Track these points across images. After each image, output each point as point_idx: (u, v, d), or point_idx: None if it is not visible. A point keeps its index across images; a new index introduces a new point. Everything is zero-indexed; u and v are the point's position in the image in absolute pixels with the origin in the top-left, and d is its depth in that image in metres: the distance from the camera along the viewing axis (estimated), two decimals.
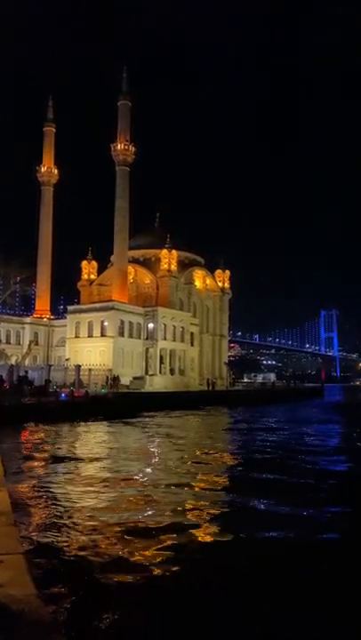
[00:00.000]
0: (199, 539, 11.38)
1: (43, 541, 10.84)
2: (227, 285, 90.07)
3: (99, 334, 65.91)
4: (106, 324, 65.69)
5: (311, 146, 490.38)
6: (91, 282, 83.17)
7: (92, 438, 30.06)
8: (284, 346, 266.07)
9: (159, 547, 10.60)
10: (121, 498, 15.01)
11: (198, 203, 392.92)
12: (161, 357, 69.48)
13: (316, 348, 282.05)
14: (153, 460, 22.72)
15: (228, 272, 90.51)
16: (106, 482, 17.10)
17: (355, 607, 8.40)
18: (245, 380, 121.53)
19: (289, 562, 10.22)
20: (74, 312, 71.20)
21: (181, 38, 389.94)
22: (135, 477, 18.20)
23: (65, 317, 74.83)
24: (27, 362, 61.85)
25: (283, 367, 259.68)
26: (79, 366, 53.82)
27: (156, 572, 9.34)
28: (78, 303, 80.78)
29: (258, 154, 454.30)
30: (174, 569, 9.50)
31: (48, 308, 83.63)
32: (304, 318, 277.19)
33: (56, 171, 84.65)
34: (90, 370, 53.80)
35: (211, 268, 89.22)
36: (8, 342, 73.31)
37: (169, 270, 76.02)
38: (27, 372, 49.43)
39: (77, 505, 14.02)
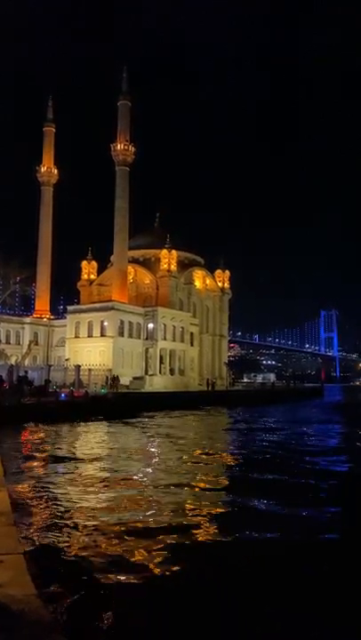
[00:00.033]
0: (199, 539, 11.37)
1: (43, 541, 10.84)
2: (227, 285, 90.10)
3: (98, 334, 65.91)
4: (106, 324, 65.69)
5: (311, 146, 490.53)
6: (90, 282, 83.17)
7: (92, 438, 30.05)
8: (283, 346, 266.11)
9: (159, 547, 10.60)
10: (121, 498, 15.01)
11: (198, 203, 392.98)
12: (161, 357, 69.49)
13: (316, 348, 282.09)
14: (153, 460, 22.71)
15: (227, 272, 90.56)
16: (106, 482, 17.10)
17: (355, 607, 8.40)
18: (245, 380, 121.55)
19: (289, 562, 10.22)
20: (74, 312, 71.21)
21: (181, 38, 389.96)
22: (135, 477, 18.20)
23: (65, 317, 74.83)
24: (26, 362, 61.86)
25: (282, 367, 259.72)
26: (79, 366, 53.82)
27: (156, 572, 9.34)
28: (78, 303, 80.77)
29: (258, 154, 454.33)
30: (174, 569, 9.50)
31: (48, 308, 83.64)
32: (304, 318, 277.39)
33: (56, 171, 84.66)
34: (90, 370, 53.80)
35: (211, 269, 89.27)
36: (8, 342, 73.33)
37: (169, 270, 76.04)
38: (26, 372, 49.42)
39: (77, 505, 14.01)
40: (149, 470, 20.01)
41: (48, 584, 8.33)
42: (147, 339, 69.08)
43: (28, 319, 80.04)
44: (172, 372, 71.13)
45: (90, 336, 66.65)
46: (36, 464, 20.79)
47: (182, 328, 73.96)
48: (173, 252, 76.88)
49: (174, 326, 72.30)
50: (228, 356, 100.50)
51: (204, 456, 23.48)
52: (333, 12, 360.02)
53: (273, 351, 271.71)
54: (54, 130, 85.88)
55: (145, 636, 7.53)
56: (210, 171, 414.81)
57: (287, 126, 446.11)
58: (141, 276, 79.22)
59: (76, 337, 68.38)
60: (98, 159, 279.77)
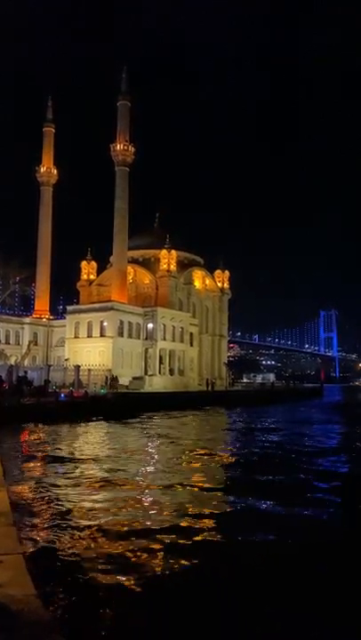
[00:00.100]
0: (199, 539, 11.37)
1: (43, 542, 10.84)
2: (226, 285, 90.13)
3: (98, 334, 65.90)
4: (105, 324, 65.68)
5: (311, 146, 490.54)
6: (90, 282, 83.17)
7: (92, 438, 30.05)
8: (283, 346, 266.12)
9: (159, 547, 10.60)
10: (121, 498, 15.01)
11: (198, 203, 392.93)
12: (160, 358, 69.48)
13: (316, 348, 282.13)
14: (152, 461, 22.72)
15: (227, 272, 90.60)
16: (105, 482, 17.09)
17: (355, 607, 8.40)
18: (245, 380, 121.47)
19: (289, 562, 10.22)
20: (73, 312, 71.19)
21: (181, 38, 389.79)
22: (135, 478, 18.19)
23: (64, 318, 74.81)
24: (26, 362, 61.83)
25: (282, 367, 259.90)
26: (78, 366, 53.82)
27: (156, 572, 9.34)
28: (78, 303, 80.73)
29: (258, 154, 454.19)
30: (174, 569, 9.50)
31: (47, 309, 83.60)
32: (304, 318, 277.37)
33: (55, 171, 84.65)
34: (89, 370, 53.79)
35: (210, 269, 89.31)
36: (7, 342, 73.31)
37: (168, 270, 76.04)
38: (26, 372, 49.41)
39: (77, 505, 14.01)
40: (149, 470, 20.01)
41: (48, 584, 8.33)
42: (146, 339, 69.09)
43: (27, 319, 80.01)
44: (171, 372, 71.13)
45: (89, 336, 66.64)
46: (35, 464, 20.78)
47: (182, 328, 73.97)
48: (173, 252, 76.89)
49: (174, 326, 72.31)
50: (228, 357, 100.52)
51: (203, 456, 23.48)
52: (333, 11, 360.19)
53: (272, 351, 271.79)
54: (54, 130, 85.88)
55: (145, 636, 7.53)
56: (210, 171, 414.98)
57: (287, 126, 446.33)
58: (141, 276, 79.23)
59: (76, 337, 68.38)
60: (97, 159, 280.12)
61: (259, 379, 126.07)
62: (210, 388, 68.02)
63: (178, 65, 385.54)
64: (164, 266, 76.17)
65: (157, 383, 65.00)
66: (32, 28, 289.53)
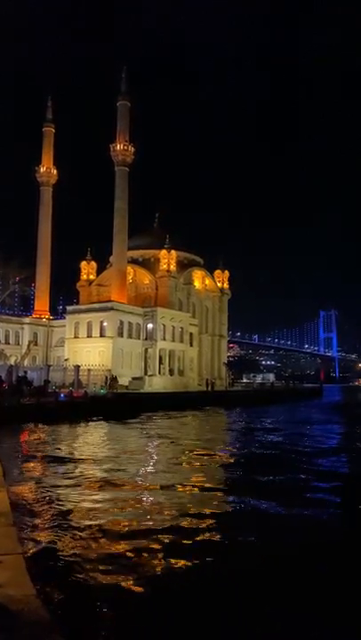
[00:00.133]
0: (199, 539, 11.36)
1: (42, 542, 10.83)
2: (226, 286, 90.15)
3: (98, 334, 65.89)
4: (105, 324, 65.68)
5: (311, 146, 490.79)
6: (90, 282, 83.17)
7: (92, 439, 30.04)
8: (283, 346, 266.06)
9: (159, 547, 10.59)
10: (120, 498, 15.00)
11: (198, 203, 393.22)
12: (160, 358, 69.47)
13: (316, 348, 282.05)
14: (152, 461, 22.71)
15: (227, 272, 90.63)
16: (105, 482, 17.08)
17: (355, 607, 8.39)
18: (244, 380, 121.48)
19: (289, 562, 10.21)
20: (73, 312, 71.18)
21: (181, 38, 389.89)
22: (134, 478, 18.18)
23: (64, 318, 74.79)
24: (26, 362, 61.81)
25: (282, 367, 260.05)
26: (78, 366, 53.80)
27: (156, 572, 9.34)
28: (77, 303, 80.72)
29: (258, 154, 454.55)
30: (174, 569, 9.49)
31: (47, 309, 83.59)
32: (303, 318, 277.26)
33: (55, 171, 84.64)
34: (89, 370, 53.78)
35: (210, 269, 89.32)
36: (7, 342, 73.30)
37: (168, 271, 76.04)
38: (26, 372, 49.38)
39: (77, 505, 14.00)
40: (149, 471, 20.01)
41: (48, 584, 8.32)
42: (146, 339, 69.08)
43: (27, 319, 79.97)
44: (171, 372, 71.12)
45: (89, 336, 66.63)
46: (35, 464, 20.77)
47: (182, 328, 73.96)
48: (173, 252, 76.90)
49: (174, 326, 72.30)
50: (228, 357, 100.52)
51: (203, 456, 23.47)
52: (333, 12, 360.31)
53: (272, 351, 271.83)
54: (54, 130, 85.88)
55: (145, 636, 7.52)
56: (210, 171, 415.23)
57: (287, 126, 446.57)
58: (141, 276, 79.23)
59: (76, 337, 68.36)
60: (97, 159, 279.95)
61: (258, 379, 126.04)
62: (210, 389, 68.02)
63: (178, 65, 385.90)
64: (164, 266, 76.18)
65: (157, 383, 64.99)
66: (32, 27, 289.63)
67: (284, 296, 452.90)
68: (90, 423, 36.96)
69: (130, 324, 67.56)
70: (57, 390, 45.08)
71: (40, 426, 33.29)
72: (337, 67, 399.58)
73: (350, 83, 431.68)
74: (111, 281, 74.40)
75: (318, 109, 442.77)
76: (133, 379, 61.04)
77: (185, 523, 12.44)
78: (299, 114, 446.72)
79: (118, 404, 43.83)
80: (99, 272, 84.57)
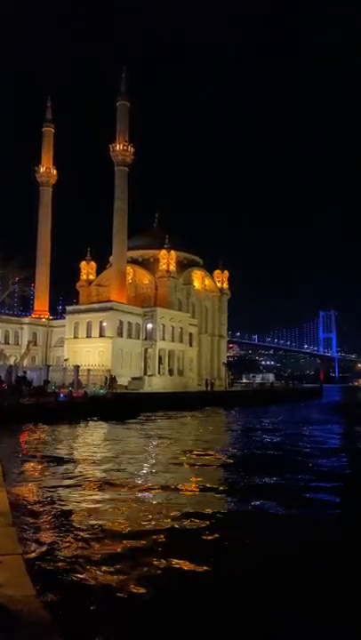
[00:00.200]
0: (199, 540, 11.35)
1: (42, 542, 10.82)
2: (225, 286, 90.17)
3: (97, 335, 65.86)
4: (104, 324, 65.65)
5: (311, 146, 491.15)
6: (89, 282, 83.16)
7: (91, 439, 30.01)
8: (282, 346, 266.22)
9: (159, 547, 10.58)
10: (120, 499, 14.99)
11: (198, 203, 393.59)
12: (160, 358, 69.46)
13: (315, 348, 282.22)
14: (152, 461, 22.69)
15: (226, 272, 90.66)
16: (105, 483, 17.07)
17: (355, 607, 8.38)
18: (244, 380, 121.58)
19: (289, 562, 10.21)
20: (72, 312, 71.16)
21: (181, 38, 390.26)
22: (134, 478, 18.17)
23: (64, 318, 74.78)
24: (25, 362, 61.80)
25: (281, 368, 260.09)
26: (78, 367, 53.77)
27: (156, 572, 9.32)
28: (77, 303, 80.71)
29: (258, 154, 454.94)
30: (174, 569, 9.48)
31: (47, 309, 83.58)
32: (303, 319, 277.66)
33: (55, 171, 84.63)
34: (88, 370, 53.77)
35: (210, 269, 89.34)
36: (7, 342, 73.28)
37: (168, 271, 76.05)
38: (25, 372, 49.38)
39: (77, 506, 13.99)
40: (148, 471, 19.99)
41: (47, 584, 8.31)
42: (146, 339, 69.07)
43: (26, 319, 79.97)
44: (170, 372, 71.11)
45: (89, 336, 66.61)
46: (35, 465, 20.75)
47: (181, 328, 73.95)
48: (172, 252, 76.91)
49: (173, 327, 72.29)
50: (227, 357, 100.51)
51: (203, 457, 23.46)
52: (333, 11, 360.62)
53: (272, 352, 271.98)
54: (53, 130, 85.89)
55: (145, 635, 7.51)
56: (210, 171, 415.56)
57: (287, 126, 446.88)
58: (140, 276, 79.23)
59: (75, 337, 68.34)
60: (97, 159, 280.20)
61: (258, 379, 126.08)
62: (209, 389, 68.02)
63: (178, 65, 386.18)
64: (164, 266, 76.19)
65: (157, 383, 64.97)
66: (32, 27, 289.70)
67: (283, 296, 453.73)
68: (89, 423, 36.95)
69: (129, 324, 67.55)
70: (56, 390, 45.04)
71: (40, 426, 33.27)
72: (337, 67, 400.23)
73: (350, 83, 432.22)
74: (111, 281, 74.38)
75: (318, 109, 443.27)
76: (133, 379, 61.03)
77: (185, 523, 12.43)
78: (299, 114, 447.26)
79: (118, 404, 43.81)
80: (98, 272, 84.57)
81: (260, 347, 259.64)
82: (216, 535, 11.66)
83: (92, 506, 14.03)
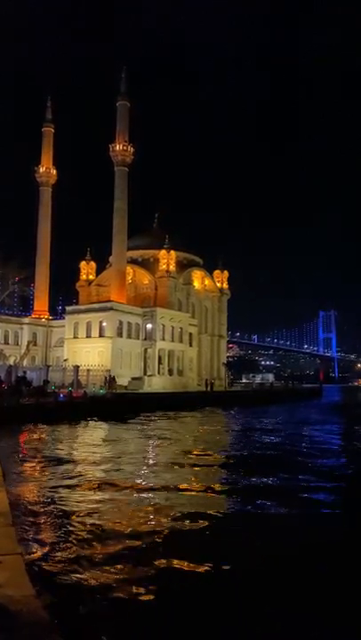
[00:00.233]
0: (199, 540, 11.34)
1: (41, 542, 10.81)
2: (225, 286, 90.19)
3: (97, 335, 65.85)
4: (104, 324, 65.64)
5: (311, 146, 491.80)
6: (89, 282, 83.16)
7: (91, 439, 30.00)
8: (282, 346, 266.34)
9: (158, 548, 10.57)
10: (119, 499, 14.98)
11: (198, 203, 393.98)
12: (159, 358, 69.45)
13: (315, 348, 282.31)
14: (151, 462, 22.68)
15: (226, 272, 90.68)
16: (104, 483, 17.05)
17: (355, 607, 8.37)
18: (244, 380, 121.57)
19: (289, 562, 10.20)
20: (72, 312, 71.15)
21: (181, 38, 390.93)
22: (133, 479, 18.15)
23: (63, 318, 74.78)
24: (25, 362, 61.77)
25: (281, 368, 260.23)
26: (77, 367, 53.76)
27: (156, 572, 9.31)
28: (77, 304, 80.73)
29: (258, 154, 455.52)
30: (174, 569, 9.47)
31: (46, 309, 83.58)
32: (303, 319, 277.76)
33: (54, 171, 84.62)
34: (88, 370, 53.77)
35: (210, 269, 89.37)
36: (6, 343, 73.28)
37: (167, 271, 76.05)
38: (25, 372, 49.36)
39: (76, 506, 13.97)
40: (148, 471, 19.98)
41: (47, 585, 8.30)
42: (145, 339, 69.06)
43: (26, 319, 79.98)
44: (170, 372, 71.10)
45: (88, 336, 66.60)
46: (34, 465, 20.74)
47: (181, 328, 73.94)
48: (172, 252, 76.92)
49: (173, 327, 72.28)
50: (227, 357, 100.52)
51: (202, 457, 23.46)
52: (333, 11, 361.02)
53: (272, 352, 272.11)
54: (53, 130, 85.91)
55: (145, 635, 7.50)
56: (210, 171, 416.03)
57: (287, 126, 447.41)
58: (140, 276, 79.22)
59: (75, 337, 68.33)
60: (97, 159, 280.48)
61: (258, 379, 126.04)
62: (209, 389, 68.01)
63: (178, 65, 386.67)
64: (164, 266, 76.20)
65: (156, 383, 64.96)
66: (32, 27, 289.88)
67: (283, 296, 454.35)
68: (89, 423, 36.93)
69: (129, 324, 67.53)
70: (56, 390, 45.02)
71: (39, 426, 33.26)
72: (337, 67, 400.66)
73: (350, 83, 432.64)
74: (111, 281, 74.38)
75: (318, 109, 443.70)
76: (133, 379, 61.02)
77: (185, 523, 12.42)
78: (299, 114, 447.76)
79: (117, 405, 43.80)
80: (98, 272, 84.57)
81: (260, 347, 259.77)
82: (216, 535, 11.65)
83: (92, 506, 14.01)
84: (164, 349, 70.39)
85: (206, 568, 9.61)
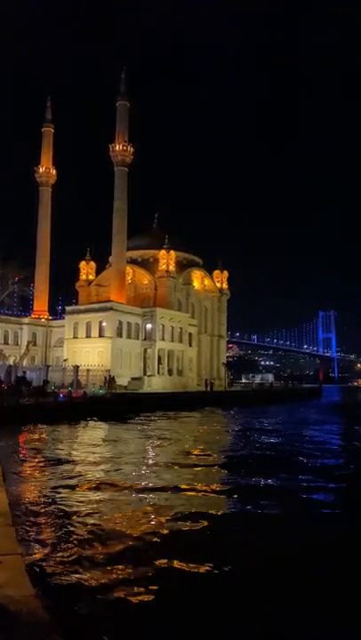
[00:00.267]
0: (199, 540, 11.34)
1: (41, 542, 10.80)
2: (225, 286, 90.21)
3: (97, 335, 65.84)
4: (104, 324, 65.64)
5: (311, 146, 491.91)
6: (89, 282, 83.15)
7: (90, 439, 29.98)
8: (282, 346, 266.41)
9: (158, 548, 10.56)
10: (119, 499, 14.97)
11: (198, 203, 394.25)
12: (159, 358, 69.45)
13: (315, 348, 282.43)
14: (151, 462, 22.67)
15: (226, 273, 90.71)
16: (104, 483, 17.04)
17: (355, 607, 8.37)
18: (243, 380, 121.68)
19: (288, 562, 10.19)
20: (72, 312, 71.14)
21: (181, 38, 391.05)
22: (133, 479, 18.15)
23: (63, 318, 74.78)
24: (25, 362, 61.74)
25: (281, 368, 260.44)
26: (77, 367, 53.75)
27: (155, 572, 9.30)
28: (76, 304, 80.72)
29: (258, 154, 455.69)
30: (173, 570, 9.46)
31: (46, 309, 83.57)
32: (303, 319, 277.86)
33: (54, 171, 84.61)
34: (88, 370, 53.76)
35: (210, 269, 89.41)
36: (6, 343, 73.26)
37: (167, 271, 76.05)
38: (25, 372, 49.33)
39: (76, 506, 13.96)
40: (147, 471, 19.98)
41: (47, 585, 8.30)
42: (145, 339, 69.06)
43: (26, 319, 79.96)
44: (170, 372, 71.09)
45: (88, 336, 66.59)
46: (34, 465, 20.73)
47: (181, 329, 73.94)
48: (172, 252, 76.92)
49: (173, 327, 72.28)
50: (227, 357, 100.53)
51: (202, 457, 23.45)
52: (333, 11, 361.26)
53: (271, 352, 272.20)
54: (53, 130, 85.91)
55: (144, 635, 7.49)
56: (210, 171, 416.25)
57: (287, 126, 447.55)
58: (140, 276, 79.21)
59: (75, 337, 68.31)
60: (97, 159, 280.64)
61: (257, 379, 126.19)
62: (209, 389, 68.01)
63: (178, 65, 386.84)
64: (163, 266, 76.20)
65: (156, 383, 64.95)
66: (32, 27, 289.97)
67: (283, 296, 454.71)
68: (89, 423, 36.92)
69: (129, 324, 67.53)
70: (56, 390, 45.01)
71: (39, 426, 33.24)
72: (337, 67, 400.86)
73: (350, 83, 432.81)
74: (110, 281, 74.38)
75: (318, 109, 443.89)
76: (132, 379, 61.02)
77: (185, 523, 12.41)
78: (299, 114, 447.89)
79: (117, 405, 43.79)
80: (98, 272, 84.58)
81: (260, 347, 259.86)
82: (216, 535, 11.65)
83: (92, 506, 14.00)
84: (164, 349, 70.39)
85: (206, 568, 9.61)
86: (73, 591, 8.42)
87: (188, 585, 8.93)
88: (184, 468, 20.55)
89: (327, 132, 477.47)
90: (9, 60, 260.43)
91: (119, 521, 12.49)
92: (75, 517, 12.69)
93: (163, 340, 69.79)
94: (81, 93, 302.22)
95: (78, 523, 12.24)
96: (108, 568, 9.41)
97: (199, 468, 20.44)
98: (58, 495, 14.99)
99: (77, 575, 9.06)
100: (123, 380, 57.90)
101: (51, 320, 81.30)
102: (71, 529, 11.73)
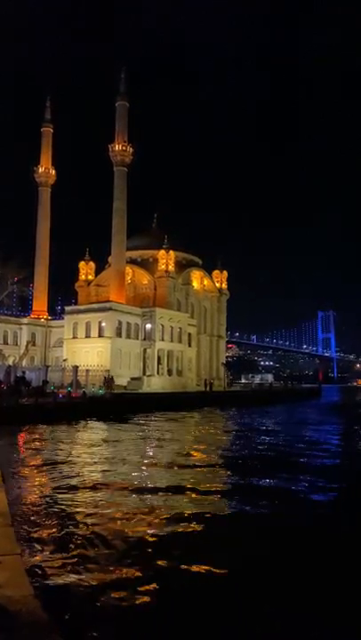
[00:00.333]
0: (198, 540, 11.33)
1: (41, 542, 10.79)
2: (224, 286, 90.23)
3: (96, 335, 65.84)
4: (103, 324, 65.63)
5: (311, 146, 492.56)
6: (88, 282, 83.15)
7: (90, 439, 29.97)
8: (281, 347, 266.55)
9: (157, 548, 10.55)
10: (119, 500, 14.96)
11: (197, 203, 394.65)
12: (158, 358, 69.45)
13: (314, 348, 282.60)
14: (150, 462, 22.65)
15: (225, 273, 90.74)
16: (103, 483, 17.03)
17: (355, 607, 8.36)
18: (243, 380, 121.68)
19: (288, 562, 10.19)
20: (71, 313, 71.12)
21: (181, 38, 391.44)
22: (132, 480, 18.14)
23: (62, 318, 74.75)
24: (24, 362, 61.70)
25: (280, 368, 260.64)
26: (77, 367, 53.70)
27: (155, 572, 9.29)
28: (76, 304, 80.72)
29: (258, 154, 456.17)
30: (173, 570, 9.45)
31: (45, 309, 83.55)
32: (302, 319, 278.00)
33: (53, 171, 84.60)
34: (87, 370, 53.72)
35: (209, 269, 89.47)
36: (5, 343, 73.24)
37: (166, 271, 76.07)
38: (24, 372, 49.28)
39: (75, 506, 13.96)
40: (147, 472, 19.96)
41: (46, 585, 8.28)
42: (144, 339, 69.06)
43: (25, 320, 79.92)
44: (169, 372, 71.10)
45: (88, 337, 66.58)
46: (33, 465, 20.71)
47: (180, 329, 73.95)
48: (171, 252, 76.94)
49: (172, 327, 72.28)
50: (226, 357, 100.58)
51: (202, 457, 23.44)
52: (333, 11, 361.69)
53: (271, 352, 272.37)
54: (52, 130, 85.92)
55: (144, 635, 7.48)
56: (210, 171, 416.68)
57: (287, 126, 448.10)
58: (139, 276, 79.22)
59: (74, 337, 68.30)
60: (96, 160, 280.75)
61: (257, 379, 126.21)
62: (208, 389, 68.03)
63: (178, 65, 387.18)
64: (163, 266, 76.22)
65: (156, 383, 64.95)
66: (32, 27, 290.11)
67: (283, 296, 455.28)
68: (88, 423, 36.90)
69: (128, 324, 67.53)
70: (55, 391, 44.99)
71: (38, 426, 33.22)
72: (337, 67, 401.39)
73: (350, 83, 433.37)
74: (110, 281, 74.39)
75: (318, 109, 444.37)
76: (132, 379, 61.02)
77: (184, 524, 12.40)
78: (299, 114, 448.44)
79: (116, 405, 43.78)
80: (97, 272, 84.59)
81: (259, 347, 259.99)
82: (216, 535, 11.64)
83: (91, 506, 13.99)
84: (164, 349, 70.39)
85: (206, 568, 9.60)
86: (72, 591, 8.41)
87: (188, 585, 8.92)
88: (183, 468, 20.53)
89: (327, 131, 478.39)
90: (9, 60, 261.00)
91: (119, 521, 12.48)
92: (74, 517, 12.68)
93: (162, 340, 69.80)
94: (81, 93, 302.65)
95: (78, 523, 12.23)
96: (108, 568, 9.40)
97: (199, 469, 20.44)
98: (57, 495, 14.98)
99: (77, 575, 9.04)
100: (122, 380, 57.88)
101: (50, 320, 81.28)
102: (71, 529, 11.72)
